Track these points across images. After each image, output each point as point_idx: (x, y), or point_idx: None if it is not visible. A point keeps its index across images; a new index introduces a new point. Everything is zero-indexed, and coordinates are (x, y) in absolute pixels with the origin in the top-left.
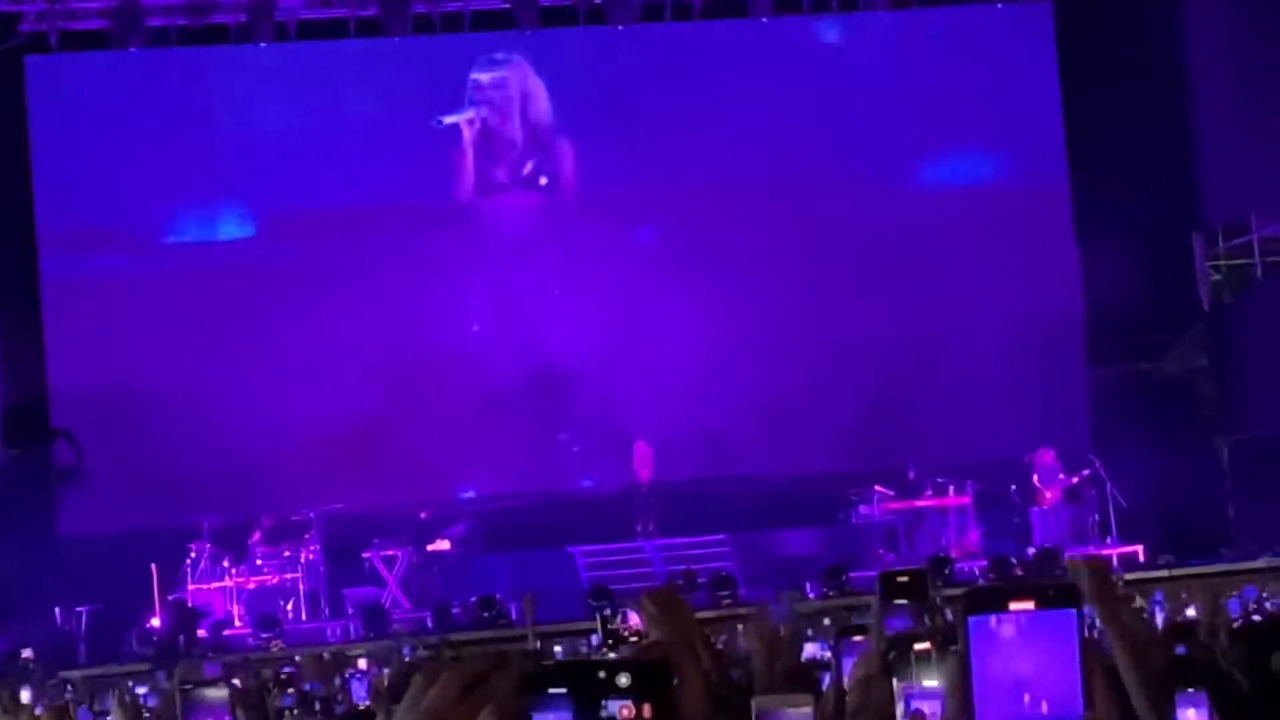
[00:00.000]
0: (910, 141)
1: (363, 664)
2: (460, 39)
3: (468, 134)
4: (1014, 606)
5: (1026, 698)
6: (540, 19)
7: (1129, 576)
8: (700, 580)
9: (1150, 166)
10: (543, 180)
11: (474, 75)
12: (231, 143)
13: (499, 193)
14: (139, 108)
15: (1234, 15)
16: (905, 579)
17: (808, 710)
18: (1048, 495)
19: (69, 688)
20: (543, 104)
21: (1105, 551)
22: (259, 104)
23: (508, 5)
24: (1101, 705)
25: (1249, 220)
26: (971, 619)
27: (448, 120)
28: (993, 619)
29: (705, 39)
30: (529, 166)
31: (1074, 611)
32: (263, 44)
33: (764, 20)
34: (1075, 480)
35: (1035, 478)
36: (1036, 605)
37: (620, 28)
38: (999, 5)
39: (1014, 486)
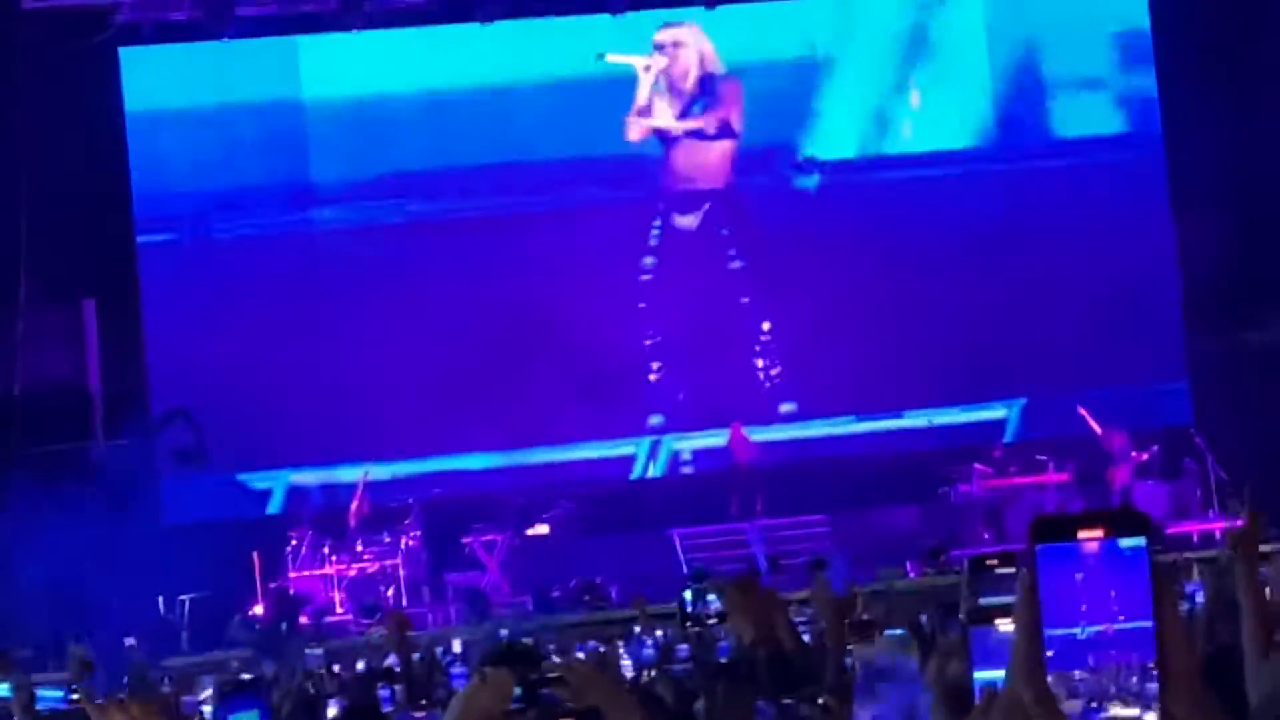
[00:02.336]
0: (1006, 106)
1: (457, 647)
2: (550, 21)
3: (644, 82)
4: (1083, 535)
5: (1096, 627)
6: None
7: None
8: (796, 562)
9: (1248, 131)
10: (712, 127)
11: (655, 35)
12: (324, 123)
13: (667, 139)
14: (232, 97)
15: None
16: (995, 561)
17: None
18: (1119, 476)
19: (166, 680)
20: (712, 57)
21: (1209, 525)
22: (353, 87)
23: None
24: (1172, 633)
25: None
26: (1040, 546)
27: (615, 59)
28: (1061, 547)
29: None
30: (696, 113)
31: (1144, 539)
32: (354, 30)
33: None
34: (1145, 456)
35: (1112, 459)
36: (1105, 533)
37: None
38: None
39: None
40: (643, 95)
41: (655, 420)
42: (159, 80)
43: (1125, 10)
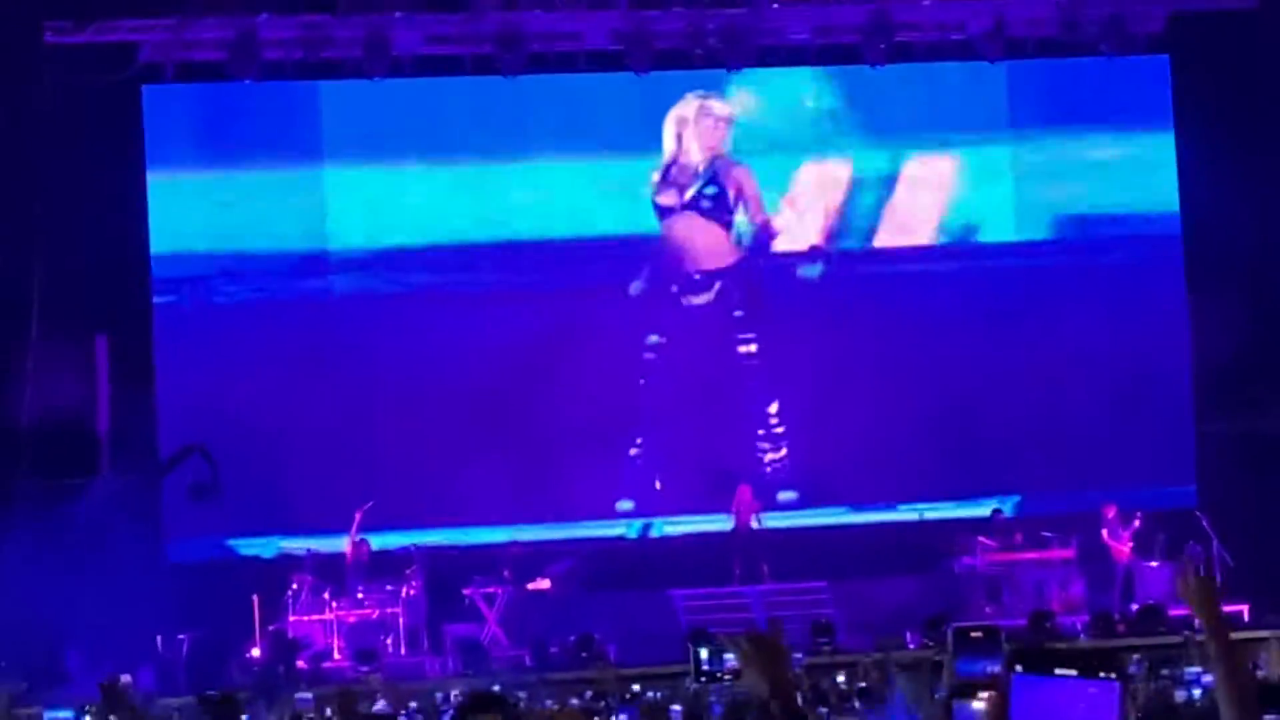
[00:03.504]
0: (1027, 195)
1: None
2: (571, 79)
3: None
4: (1059, 672)
5: None
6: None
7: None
8: (795, 627)
9: (1263, 224)
10: (708, 203)
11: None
12: (345, 175)
13: (668, 215)
14: (254, 138)
15: None
16: (979, 634)
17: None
18: (1118, 549)
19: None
20: (720, 134)
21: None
22: (373, 137)
23: (621, 47)
24: None
25: None
26: (1016, 676)
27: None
28: (1036, 679)
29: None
30: (696, 188)
31: (1117, 683)
32: (377, 78)
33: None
34: (1136, 525)
35: (1104, 533)
36: (1080, 673)
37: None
38: (1115, 58)
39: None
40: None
41: (627, 506)
42: (180, 119)
43: (1147, 103)
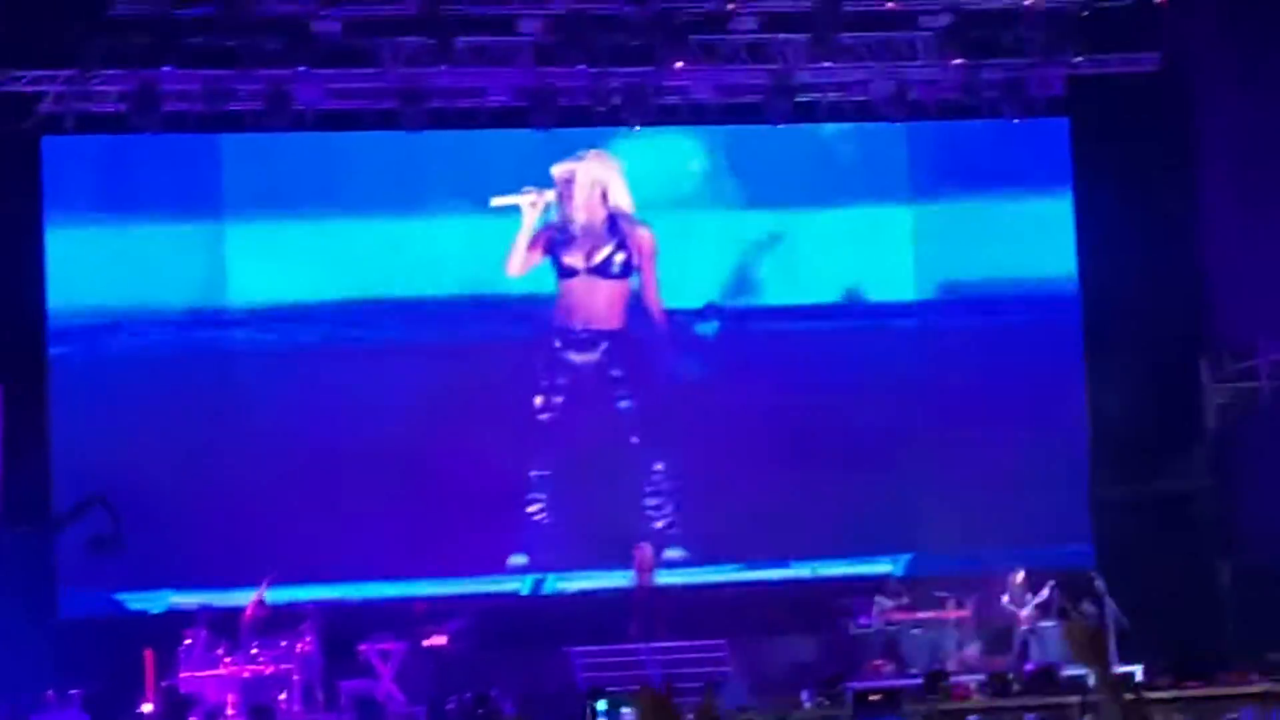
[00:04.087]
0: (925, 256)
1: None
2: (474, 135)
3: (528, 217)
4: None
5: None
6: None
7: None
8: (691, 685)
9: (1159, 289)
10: (616, 267)
11: (552, 168)
12: (245, 229)
13: (568, 278)
14: (154, 191)
15: (1243, 140)
16: (877, 696)
17: None
18: (1021, 615)
19: None
20: (620, 193)
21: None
22: (276, 191)
23: (524, 104)
24: None
25: (1256, 343)
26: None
27: (500, 201)
28: None
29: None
30: (604, 253)
31: None
32: (279, 133)
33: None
34: (1044, 593)
35: (1005, 598)
36: None
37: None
38: (1015, 120)
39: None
40: (525, 232)
41: (520, 560)
42: (81, 170)
43: (1046, 166)
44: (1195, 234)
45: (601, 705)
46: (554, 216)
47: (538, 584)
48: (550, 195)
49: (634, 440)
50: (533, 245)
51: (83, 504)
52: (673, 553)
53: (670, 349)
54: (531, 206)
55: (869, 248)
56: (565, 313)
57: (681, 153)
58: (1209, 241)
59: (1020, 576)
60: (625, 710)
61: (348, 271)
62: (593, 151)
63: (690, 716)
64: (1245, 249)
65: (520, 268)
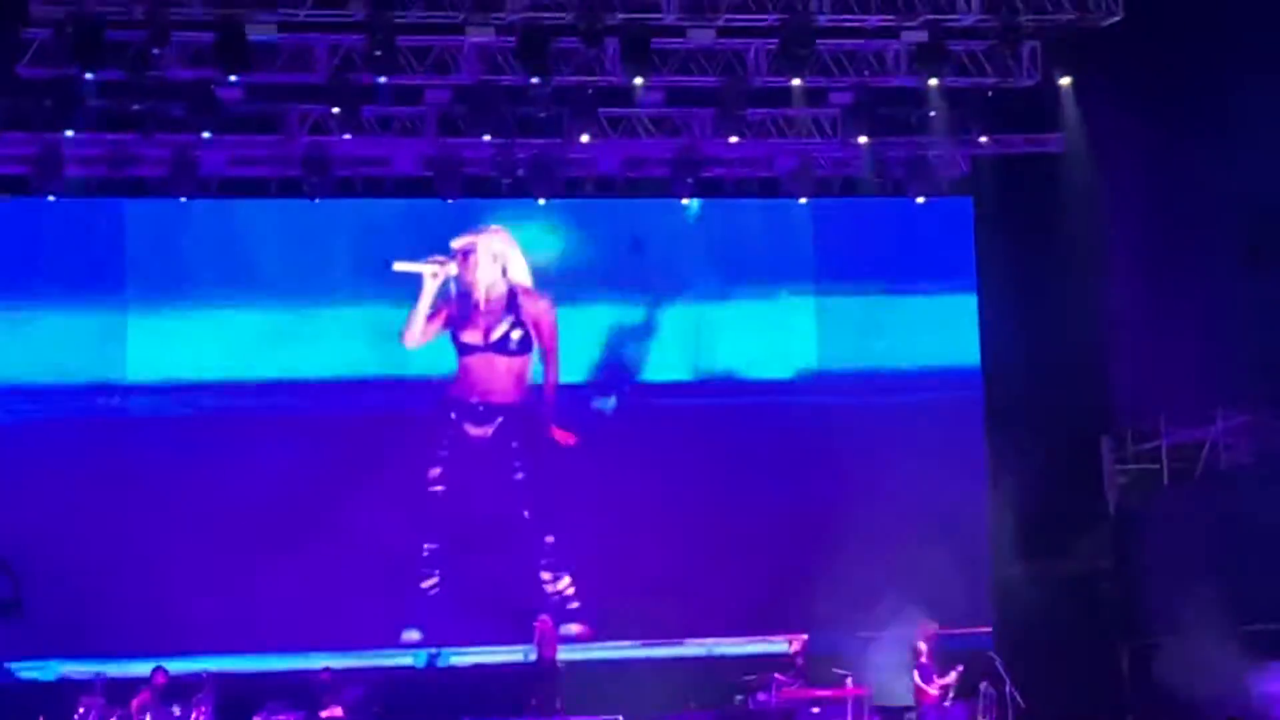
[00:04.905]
0: (829, 330)
1: None
2: (380, 203)
3: (429, 287)
4: None
5: None
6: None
7: None
8: None
9: (1062, 368)
10: (514, 344)
11: (451, 242)
12: (149, 293)
13: (467, 355)
14: (58, 255)
15: (1145, 222)
16: None
17: None
18: (928, 691)
19: None
20: (519, 268)
21: None
22: (178, 261)
23: (430, 173)
24: None
25: (1158, 425)
26: None
27: (402, 267)
28: None
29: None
30: (502, 329)
31: None
32: (183, 199)
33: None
34: (952, 676)
35: (916, 674)
36: None
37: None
38: (919, 200)
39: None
40: (424, 303)
41: (414, 635)
42: None
43: (950, 245)
44: (1099, 314)
45: None
46: (453, 289)
47: (432, 658)
48: (452, 267)
49: (525, 514)
50: (432, 317)
51: None
52: (571, 628)
53: (570, 423)
54: (433, 277)
55: (773, 332)
56: (463, 387)
57: (584, 226)
58: (1113, 322)
59: (927, 655)
60: None
61: (247, 350)
62: (493, 226)
63: None
64: (1149, 330)
65: (418, 339)
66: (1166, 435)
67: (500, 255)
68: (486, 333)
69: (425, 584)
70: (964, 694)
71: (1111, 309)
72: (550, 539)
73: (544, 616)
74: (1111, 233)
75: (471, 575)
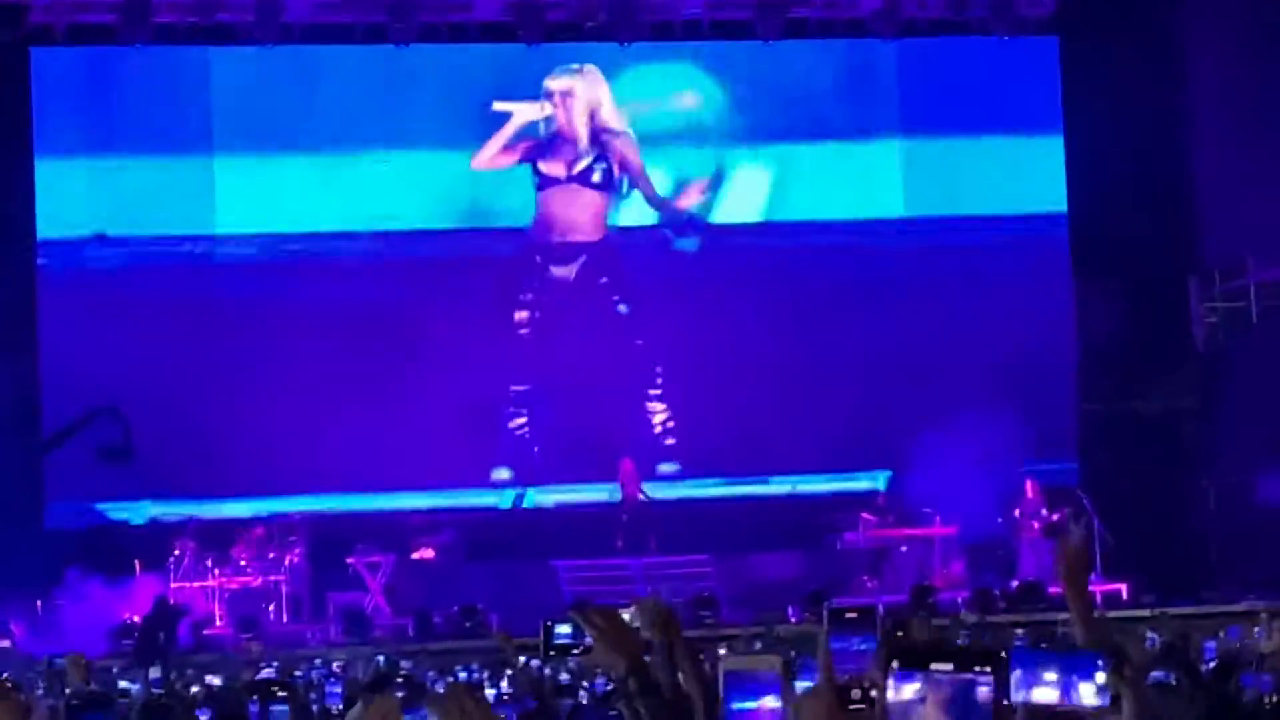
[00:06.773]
0: (914, 169)
1: (337, 666)
2: (464, 48)
3: (517, 121)
4: (935, 666)
5: None
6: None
7: (1111, 615)
8: (678, 600)
9: (1149, 208)
10: (597, 177)
11: (545, 81)
12: (232, 162)
13: (547, 188)
14: (144, 103)
15: (1234, 59)
16: (854, 614)
17: (777, 670)
18: (1031, 527)
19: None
20: (609, 110)
21: (1093, 587)
22: (263, 111)
23: (512, 19)
24: None
25: (1246, 263)
26: (894, 672)
27: (503, 106)
28: (914, 674)
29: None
30: (585, 163)
31: (991, 676)
32: (270, 44)
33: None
34: (1055, 517)
35: (1017, 511)
36: (956, 668)
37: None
38: (1004, 39)
39: (999, 518)
40: (505, 133)
41: (504, 474)
42: (69, 84)
43: (1035, 85)
44: (1186, 153)
45: (564, 629)
46: (543, 129)
47: (518, 498)
48: (548, 107)
49: (639, 342)
50: (509, 149)
51: (91, 415)
52: (665, 467)
53: (654, 263)
54: (538, 112)
55: (857, 178)
56: (544, 226)
57: (670, 72)
58: (1200, 160)
59: (1035, 490)
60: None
61: (333, 201)
62: (587, 66)
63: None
64: (1236, 167)
65: (486, 162)
66: (1254, 273)
67: (593, 96)
68: (570, 165)
69: (513, 424)
70: (1053, 533)
71: (1199, 147)
72: (659, 368)
73: (626, 458)
74: (1199, 68)
75: (562, 415)
